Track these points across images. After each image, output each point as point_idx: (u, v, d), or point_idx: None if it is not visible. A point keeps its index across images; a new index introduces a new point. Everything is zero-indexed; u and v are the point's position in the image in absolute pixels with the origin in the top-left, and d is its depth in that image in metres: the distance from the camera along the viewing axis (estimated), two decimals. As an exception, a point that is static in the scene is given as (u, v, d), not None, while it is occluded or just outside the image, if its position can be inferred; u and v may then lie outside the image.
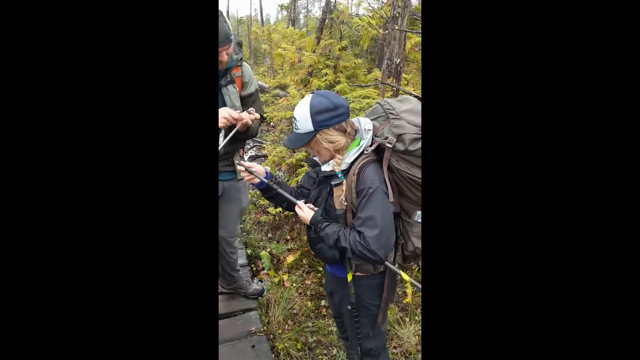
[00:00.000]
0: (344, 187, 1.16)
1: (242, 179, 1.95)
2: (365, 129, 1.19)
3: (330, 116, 1.14)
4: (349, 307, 1.32)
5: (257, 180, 1.29)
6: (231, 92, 1.71)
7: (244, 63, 1.76)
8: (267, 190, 1.31)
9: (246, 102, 1.80)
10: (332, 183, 1.17)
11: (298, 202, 1.26)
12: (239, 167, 1.30)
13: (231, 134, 1.58)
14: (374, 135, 1.19)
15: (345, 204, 1.17)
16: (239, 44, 1.69)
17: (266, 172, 1.31)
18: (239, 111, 1.64)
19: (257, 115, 1.66)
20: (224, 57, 1.56)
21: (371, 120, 1.23)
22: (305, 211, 1.23)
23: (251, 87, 1.80)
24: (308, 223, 1.23)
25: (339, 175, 1.17)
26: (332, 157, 1.20)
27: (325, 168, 1.23)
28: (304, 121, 1.15)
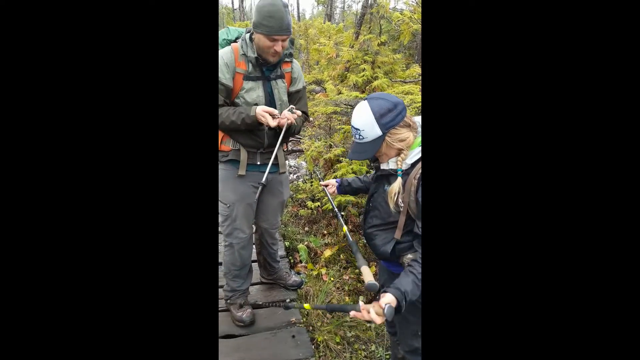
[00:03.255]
0: (396, 187, 1.14)
1: (285, 172, 2.00)
2: None
3: (394, 115, 1.13)
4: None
5: (332, 190, 1.59)
6: (280, 87, 1.74)
7: (294, 60, 1.80)
8: (342, 190, 1.59)
9: (293, 98, 1.83)
10: (386, 186, 1.16)
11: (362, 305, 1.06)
12: (321, 183, 1.62)
13: (282, 133, 1.67)
14: None
15: (402, 206, 1.15)
16: (291, 41, 1.72)
17: (336, 181, 1.60)
18: (285, 111, 1.67)
19: (290, 121, 1.65)
20: (279, 47, 1.57)
21: None
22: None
23: (299, 84, 1.83)
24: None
25: (399, 172, 1.15)
26: (398, 154, 1.17)
27: (385, 166, 1.20)
28: (369, 128, 1.13)
